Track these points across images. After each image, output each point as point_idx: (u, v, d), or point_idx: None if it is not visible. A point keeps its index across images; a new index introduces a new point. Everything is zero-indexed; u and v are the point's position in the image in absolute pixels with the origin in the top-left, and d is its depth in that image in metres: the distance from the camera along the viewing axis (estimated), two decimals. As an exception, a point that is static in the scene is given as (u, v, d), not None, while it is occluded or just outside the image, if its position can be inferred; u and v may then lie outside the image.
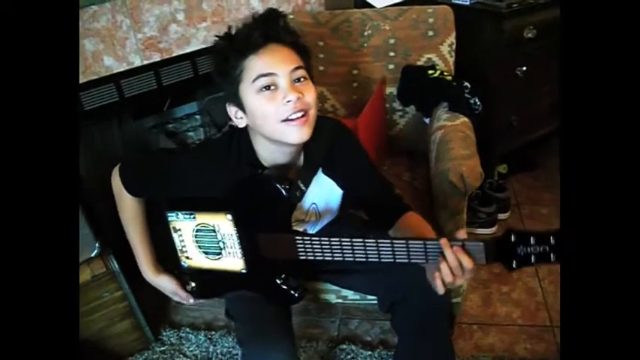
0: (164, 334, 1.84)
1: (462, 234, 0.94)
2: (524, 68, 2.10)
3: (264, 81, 1.01)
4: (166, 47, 1.74)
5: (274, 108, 1.01)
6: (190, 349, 1.78)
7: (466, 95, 1.75)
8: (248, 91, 1.03)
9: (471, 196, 1.53)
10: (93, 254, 1.57)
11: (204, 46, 1.81)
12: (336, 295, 1.48)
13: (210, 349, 1.77)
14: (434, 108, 1.83)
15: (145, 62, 1.72)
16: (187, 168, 1.18)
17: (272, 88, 1.01)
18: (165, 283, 1.31)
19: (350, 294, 1.45)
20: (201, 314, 1.95)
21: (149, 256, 1.31)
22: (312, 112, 1.05)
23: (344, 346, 1.74)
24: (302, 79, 1.04)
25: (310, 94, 1.04)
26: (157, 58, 1.73)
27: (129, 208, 1.27)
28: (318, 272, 1.39)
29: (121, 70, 1.68)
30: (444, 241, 0.92)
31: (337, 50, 1.89)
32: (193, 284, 1.28)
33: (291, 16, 1.85)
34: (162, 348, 1.79)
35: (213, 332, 1.84)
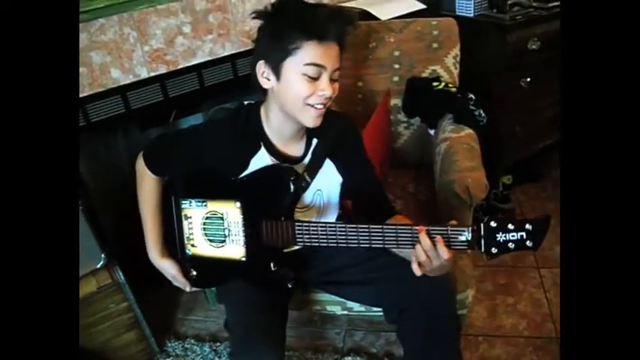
0: (169, 345, 1.84)
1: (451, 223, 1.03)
2: (529, 79, 2.11)
3: (314, 69, 1.09)
4: (173, 59, 1.75)
5: (308, 93, 1.10)
6: (195, 360, 1.78)
7: (471, 107, 1.76)
8: (294, 67, 1.09)
9: (475, 207, 1.53)
10: (99, 265, 1.58)
11: (210, 59, 1.82)
12: (342, 307, 1.48)
13: (215, 361, 1.77)
14: (439, 120, 1.83)
15: (152, 74, 1.73)
16: (200, 141, 1.26)
17: (315, 76, 1.10)
18: (168, 267, 1.37)
19: (356, 306, 1.45)
20: (206, 326, 1.95)
21: (158, 237, 1.37)
22: (328, 105, 1.16)
23: (349, 358, 1.73)
24: (335, 79, 1.15)
25: (335, 93, 1.15)
26: (163, 70, 1.75)
27: (147, 189, 1.34)
28: (323, 283, 1.40)
29: (128, 82, 1.69)
30: (420, 228, 1.03)
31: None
32: (194, 272, 1.34)
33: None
34: (168, 359, 1.79)
35: (218, 344, 1.83)
